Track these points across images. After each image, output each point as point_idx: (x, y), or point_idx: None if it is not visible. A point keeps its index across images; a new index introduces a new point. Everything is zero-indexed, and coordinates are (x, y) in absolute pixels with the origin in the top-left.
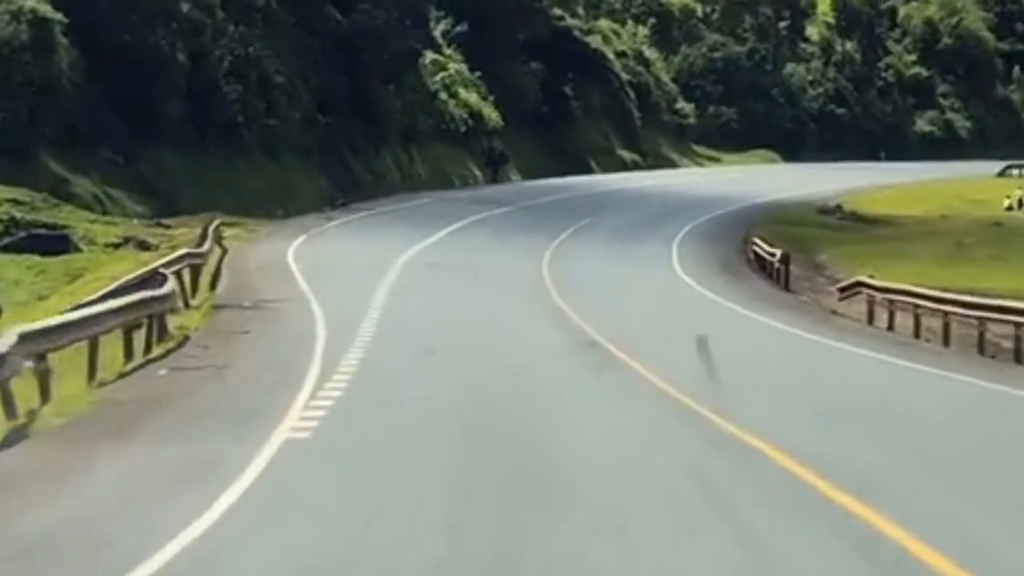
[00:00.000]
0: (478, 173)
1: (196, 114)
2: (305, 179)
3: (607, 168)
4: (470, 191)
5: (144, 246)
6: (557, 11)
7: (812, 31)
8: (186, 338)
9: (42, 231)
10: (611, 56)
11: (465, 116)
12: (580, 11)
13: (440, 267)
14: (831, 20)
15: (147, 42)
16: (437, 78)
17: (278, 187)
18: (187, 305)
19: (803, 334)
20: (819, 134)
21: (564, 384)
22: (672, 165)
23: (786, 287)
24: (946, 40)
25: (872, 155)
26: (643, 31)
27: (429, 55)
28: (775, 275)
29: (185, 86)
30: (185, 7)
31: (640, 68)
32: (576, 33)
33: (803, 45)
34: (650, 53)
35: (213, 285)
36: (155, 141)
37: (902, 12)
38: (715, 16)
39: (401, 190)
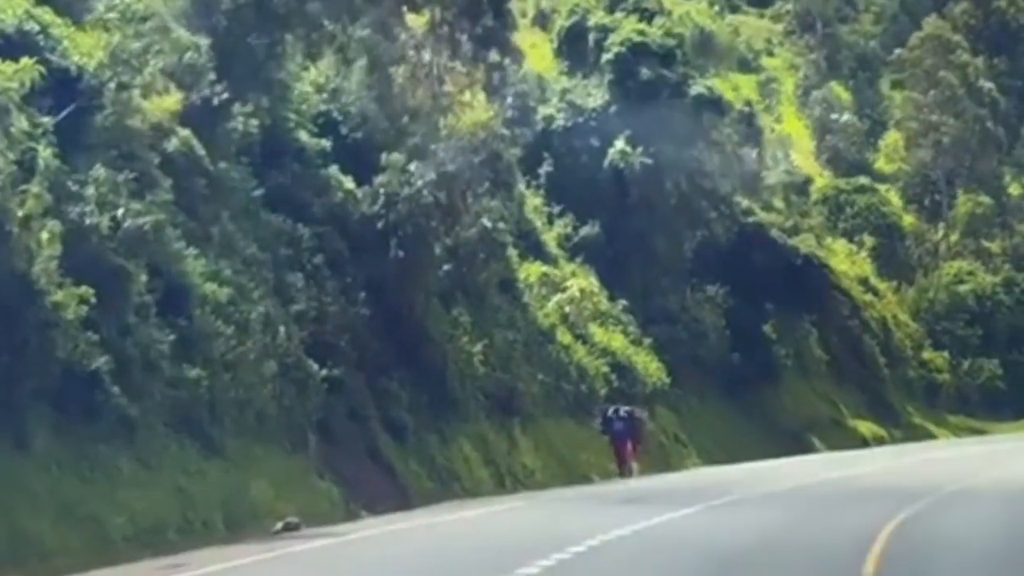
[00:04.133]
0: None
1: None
2: (277, 484)
3: (835, 444)
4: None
5: None
6: (743, 202)
7: None
8: None
9: None
10: (837, 273)
11: (606, 370)
12: (780, 203)
13: None
14: None
15: None
16: (551, 306)
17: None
18: None
19: None
20: None
21: None
22: (928, 437)
23: None
24: None
25: None
26: (864, 248)
27: (532, 268)
28: None
29: None
30: None
31: (869, 297)
32: (776, 236)
33: None
34: (876, 280)
35: None
36: None
37: None
38: (953, 236)
39: (488, 491)
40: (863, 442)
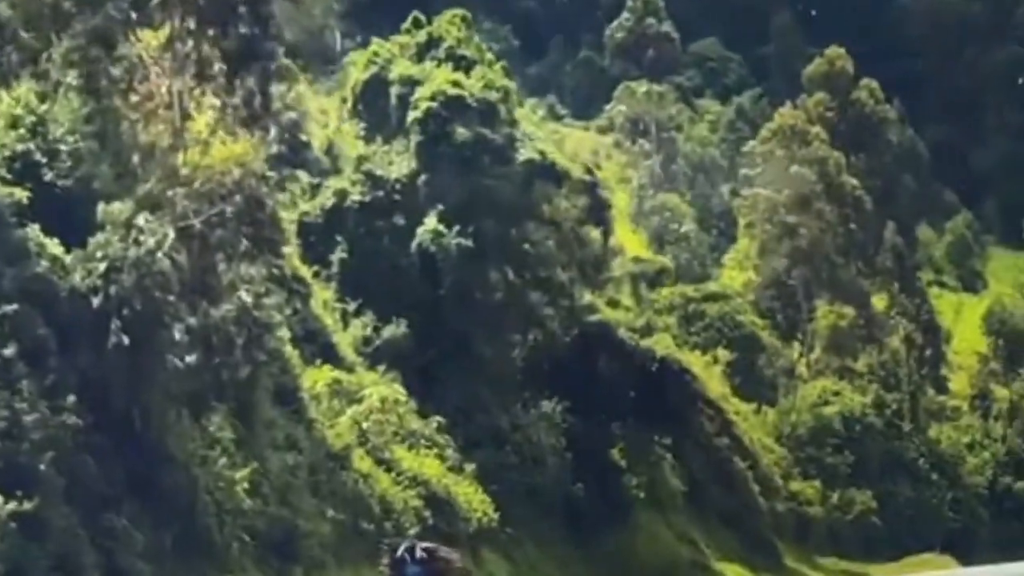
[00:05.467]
0: None
1: None
2: None
3: None
4: None
5: None
6: (585, 296)
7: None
8: None
9: None
10: (701, 380)
11: (418, 504)
12: (628, 299)
13: None
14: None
15: None
16: (345, 422)
17: None
18: None
19: None
20: (993, 524)
21: None
22: None
23: None
24: None
25: None
26: (720, 363)
27: (320, 373)
28: None
29: None
30: None
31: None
32: (626, 337)
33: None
34: (734, 399)
35: None
36: None
37: None
38: (814, 353)
39: None
40: None
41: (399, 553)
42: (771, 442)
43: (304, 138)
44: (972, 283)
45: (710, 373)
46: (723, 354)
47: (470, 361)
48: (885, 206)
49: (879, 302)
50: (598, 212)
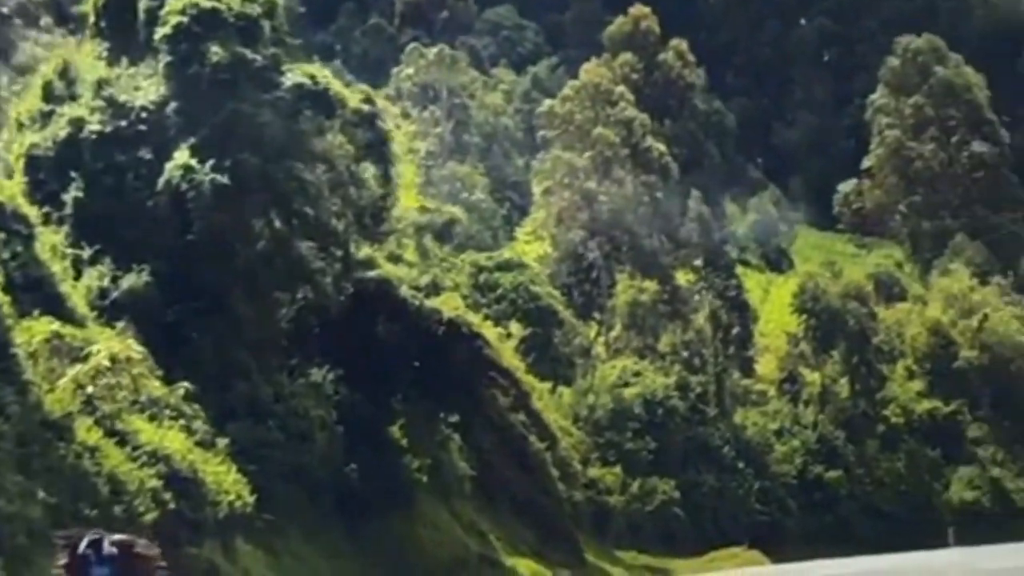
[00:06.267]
0: None
1: None
2: None
3: None
4: None
5: None
6: (362, 249)
7: (766, 354)
8: None
9: None
10: (495, 347)
11: (157, 484)
12: (413, 255)
13: None
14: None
15: None
16: (65, 384)
17: None
18: None
19: None
20: (803, 516)
21: None
22: None
23: None
24: (966, 353)
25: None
26: (514, 338)
27: (38, 326)
28: None
29: None
30: None
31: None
32: (409, 297)
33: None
34: (529, 377)
35: None
36: None
37: (886, 316)
38: (613, 332)
39: None
40: None
41: (81, 548)
42: (568, 424)
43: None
44: (778, 263)
45: (503, 348)
46: (517, 328)
47: (226, 320)
48: (691, 175)
49: (684, 277)
50: (378, 148)
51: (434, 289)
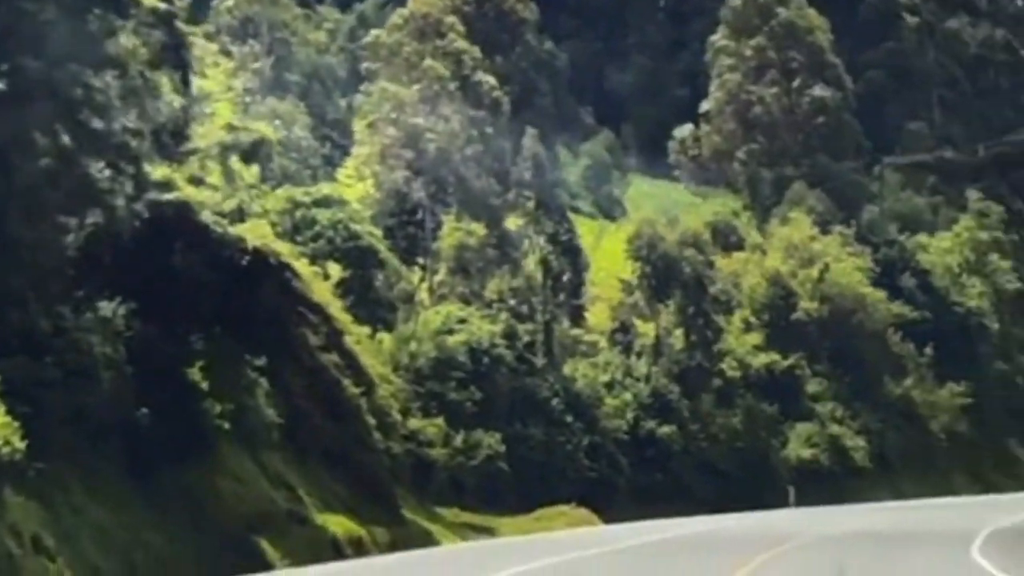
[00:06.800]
0: None
1: None
2: None
3: (293, 551)
4: None
5: None
6: (158, 169)
7: (597, 303)
8: None
9: None
10: (306, 282)
11: None
12: (218, 179)
13: None
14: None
15: None
16: None
17: None
18: None
19: None
20: (634, 473)
21: None
22: (427, 542)
23: None
24: (806, 304)
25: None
26: (331, 280)
27: None
28: None
29: None
30: None
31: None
32: (211, 223)
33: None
34: (347, 322)
35: None
36: None
37: (723, 265)
38: (438, 276)
39: None
40: (334, 548)
41: None
42: (388, 372)
43: None
44: (611, 211)
45: (317, 284)
46: (335, 269)
47: (1, 243)
48: (522, 115)
49: (514, 221)
50: (176, 53)
51: (240, 216)
